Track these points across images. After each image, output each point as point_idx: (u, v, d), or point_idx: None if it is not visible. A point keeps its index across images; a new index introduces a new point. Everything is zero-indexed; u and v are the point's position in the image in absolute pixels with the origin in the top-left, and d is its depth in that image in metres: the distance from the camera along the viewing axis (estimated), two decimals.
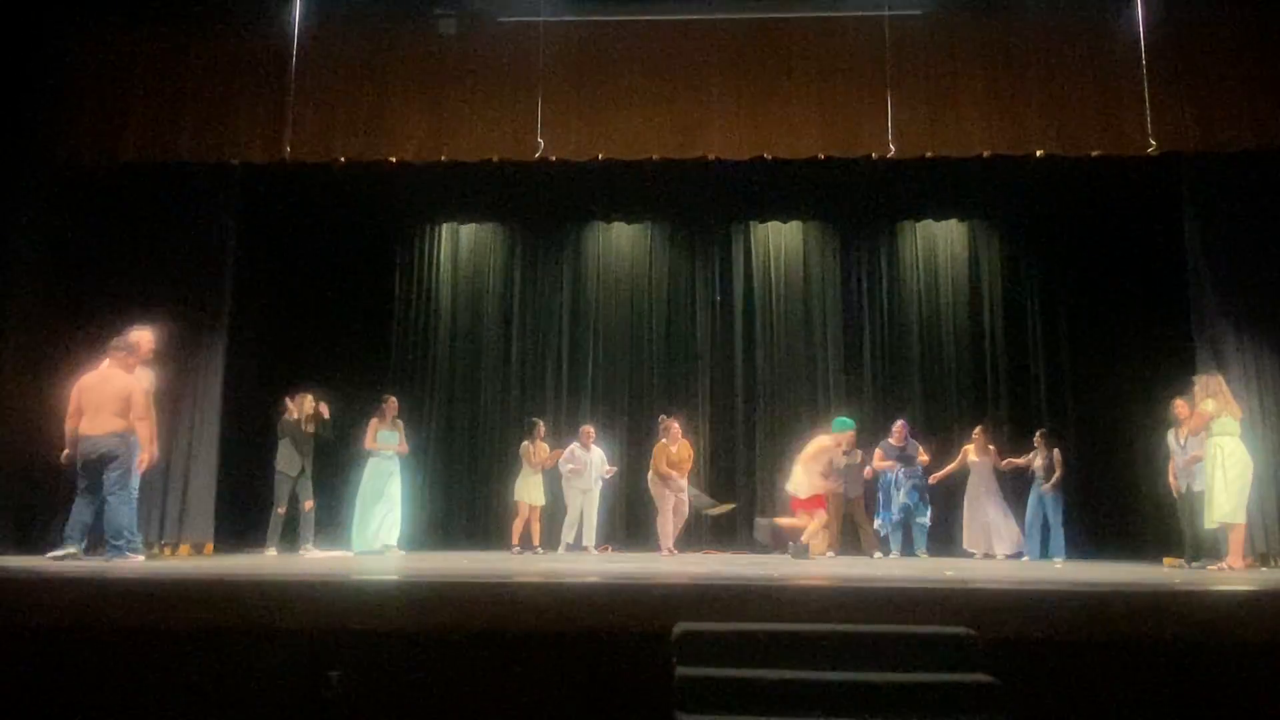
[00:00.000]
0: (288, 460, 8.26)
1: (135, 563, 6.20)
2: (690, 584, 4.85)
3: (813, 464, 8.23)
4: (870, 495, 9.55)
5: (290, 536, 8.34)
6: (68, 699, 4.34)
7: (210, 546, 8.21)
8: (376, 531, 8.67)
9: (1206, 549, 7.63)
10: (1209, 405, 7.31)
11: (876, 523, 9.39)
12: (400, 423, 9.07)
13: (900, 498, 9.28)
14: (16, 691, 4.34)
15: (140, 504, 6.89)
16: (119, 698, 4.32)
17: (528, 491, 9.38)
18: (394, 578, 5.21)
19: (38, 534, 7.12)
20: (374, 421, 8.84)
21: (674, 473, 9.45)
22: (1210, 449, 7.28)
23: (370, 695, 4.29)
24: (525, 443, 9.52)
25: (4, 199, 7.77)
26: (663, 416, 9.75)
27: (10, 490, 7.43)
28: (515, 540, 9.31)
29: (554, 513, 9.75)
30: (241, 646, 4.34)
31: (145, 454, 6.51)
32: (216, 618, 4.42)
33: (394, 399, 9.12)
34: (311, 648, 4.31)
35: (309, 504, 8.33)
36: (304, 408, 8.38)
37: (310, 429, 8.36)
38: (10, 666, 4.36)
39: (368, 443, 8.79)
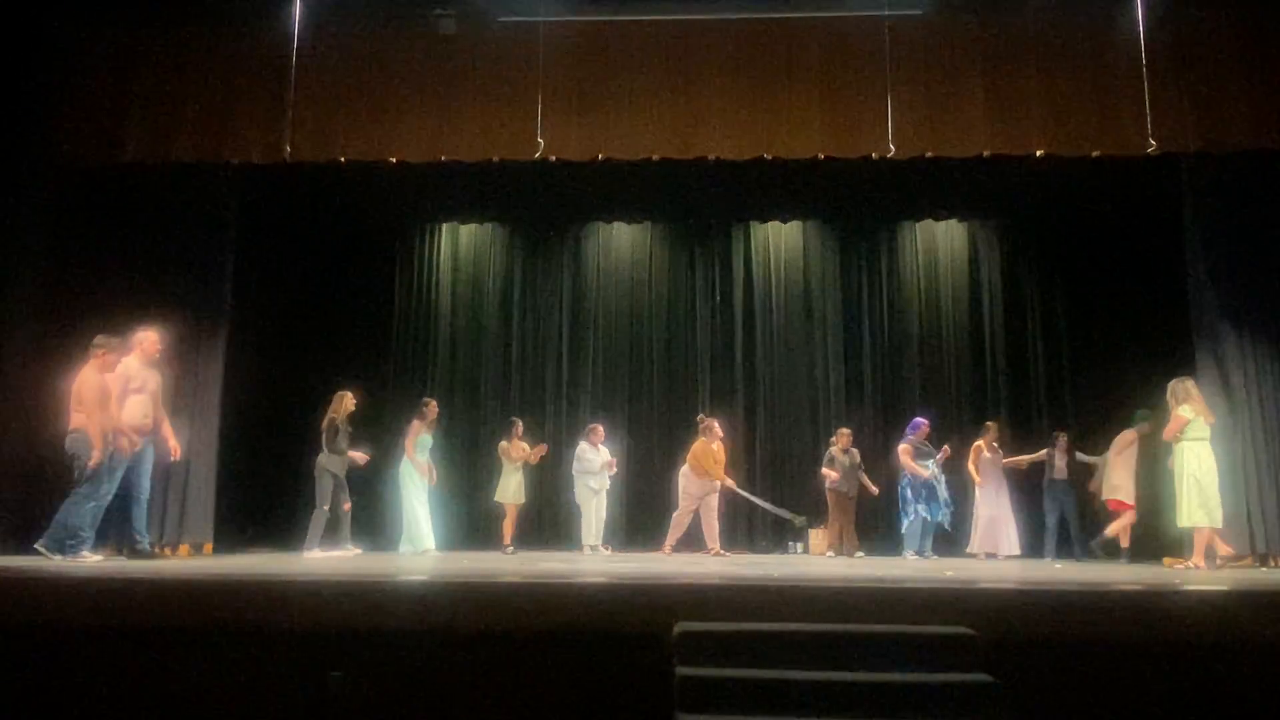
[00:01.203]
0: (333, 462, 8.16)
1: (87, 563, 6.15)
2: (690, 584, 4.86)
3: (1120, 462, 8.52)
4: (888, 493, 9.55)
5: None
6: (68, 699, 4.34)
7: (210, 546, 8.20)
8: (430, 532, 8.71)
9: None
10: (1187, 410, 7.34)
11: (906, 523, 9.33)
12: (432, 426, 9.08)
13: (943, 493, 9.24)
14: (17, 691, 4.34)
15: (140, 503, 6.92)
16: (120, 698, 4.32)
17: (508, 492, 9.38)
18: (395, 578, 5.20)
19: (39, 534, 7.11)
20: (416, 424, 8.80)
21: (711, 474, 9.27)
22: (1181, 453, 7.32)
23: (370, 695, 4.29)
24: (503, 442, 9.52)
25: (4, 199, 7.77)
26: (701, 415, 9.72)
27: (11, 490, 7.43)
28: (507, 540, 9.31)
29: (552, 513, 9.75)
30: (242, 646, 4.34)
31: (97, 450, 6.45)
32: (216, 618, 4.42)
33: (434, 402, 9.09)
34: (311, 648, 4.32)
35: (347, 505, 8.26)
36: (344, 407, 8.32)
37: (350, 429, 8.33)
38: (11, 666, 4.36)
39: (409, 449, 8.73)
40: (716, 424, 9.47)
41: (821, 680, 3.78)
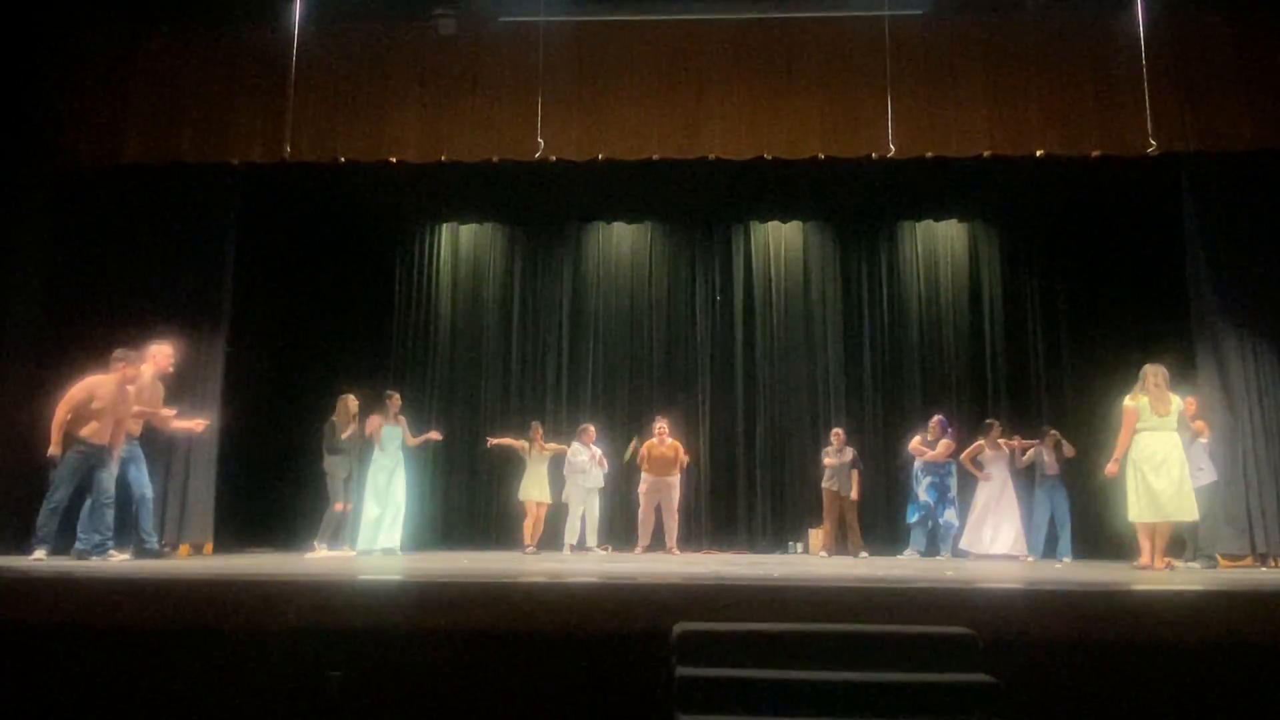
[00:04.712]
0: (335, 462, 8.40)
1: (33, 559, 6.21)
2: (690, 584, 4.85)
3: None
4: (899, 490, 9.60)
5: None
6: (68, 699, 4.34)
7: (210, 546, 8.21)
8: (378, 532, 8.67)
9: (1202, 546, 7.64)
10: (1129, 399, 7.13)
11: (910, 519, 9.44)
12: (403, 419, 9.09)
13: (920, 494, 9.26)
14: (17, 691, 4.34)
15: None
16: (119, 698, 4.32)
17: (537, 489, 9.41)
18: (394, 578, 5.21)
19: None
20: (376, 418, 8.85)
21: (644, 469, 9.67)
22: (1135, 444, 7.07)
23: (370, 695, 4.29)
24: (523, 441, 9.57)
25: (4, 199, 7.77)
26: (658, 417, 9.91)
27: (10, 490, 7.43)
28: (529, 540, 9.34)
29: (554, 514, 9.75)
30: (241, 646, 4.34)
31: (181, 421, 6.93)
32: (217, 618, 4.42)
33: (397, 395, 9.13)
34: (311, 648, 4.31)
35: (340, 505, 8.41)
36: (347, 410, 8.50)
37: (350, 431, 8.49)
38: (10, 666, 4.36)
39: (369, 431, 8.77)
40: (662, 425, 9.78)
41: (821, 680, 3.78)
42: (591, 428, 9.83)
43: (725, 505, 10.72)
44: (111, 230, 8.19)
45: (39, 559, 6.24)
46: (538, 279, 11.26)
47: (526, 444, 9.56)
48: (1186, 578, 6.14)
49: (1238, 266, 7.99)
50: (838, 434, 9.58)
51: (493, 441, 9.74)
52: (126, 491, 6.86)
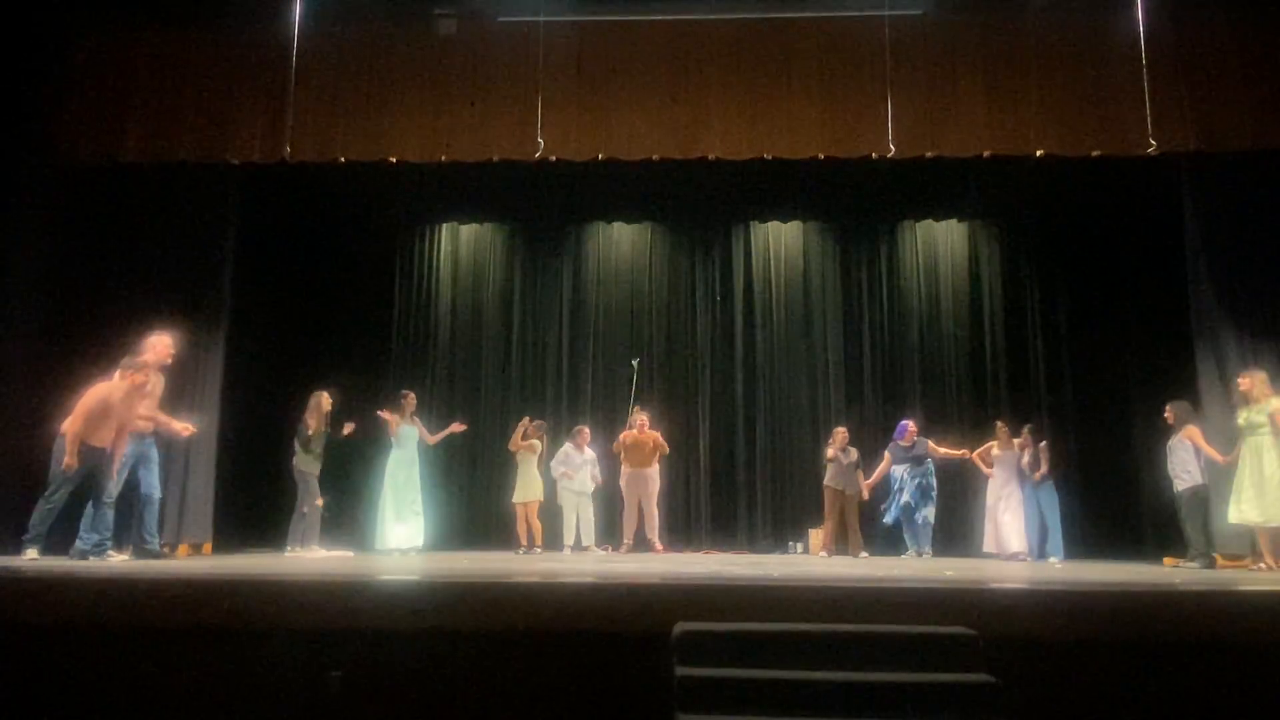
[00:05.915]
0: (308, 460, 8.30)
1: (26, 559, 6.22)
2: (690, 584, 4.85)
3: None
4: (882, 494, 9.60)
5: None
6: (68, 699, 4.34)
7: (209, 546, 8.21)
8: (398, 531, 8.66)
9: (1203, 546, 7.63)
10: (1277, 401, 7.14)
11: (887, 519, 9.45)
12: (418, 419, 9.08)
13: (904, 497, 9.26)
14: (17, 691, 4.34)
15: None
16: (119, 698, 4.32)
17: (533, 489, 9.40)
18: (394, 578, 5.20)
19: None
20: (394, 417, 8.83)
21: (623, 461, 9.59)
22: (1256, 445, 7.11)
23: (371, 695, 4.29)
24: (521, 441, 9.56)
25: (4, 199, 7.77)
26: (636, 408, 9.86)
27: (11, 490, 7.43)
28: (523, 542, 9.34)
29: (554, 512, 9.75)
30: (241, 646, 4.34)
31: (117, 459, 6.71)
32: (216, 618, 4.42)
33: (412, 395, 9.11)
34: (311, 648, 4.32)
35: (318, 501, 8.36)
36: (320, 408, 8.41)
37: (325, 429, 8.41)
38: (11, 666, 4.36)
39: (393, 432, 8.77)
40: (640, 416, 9.67)
41: (821, 680, 3.78)
42: (586, 430, 9.80)
43: (725, 504, 10.71)
44: (112, 229, 8.20)
45: (31, 558, 6.24)
46: (538, 279, 11.26)
47: (517, 442, 9.44)
48: (1187, 577, 6.14)
49: (1238, 266, 7.99)
50: (842, 432, 9.57)
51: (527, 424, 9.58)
52: (135, 491, 6.88)
